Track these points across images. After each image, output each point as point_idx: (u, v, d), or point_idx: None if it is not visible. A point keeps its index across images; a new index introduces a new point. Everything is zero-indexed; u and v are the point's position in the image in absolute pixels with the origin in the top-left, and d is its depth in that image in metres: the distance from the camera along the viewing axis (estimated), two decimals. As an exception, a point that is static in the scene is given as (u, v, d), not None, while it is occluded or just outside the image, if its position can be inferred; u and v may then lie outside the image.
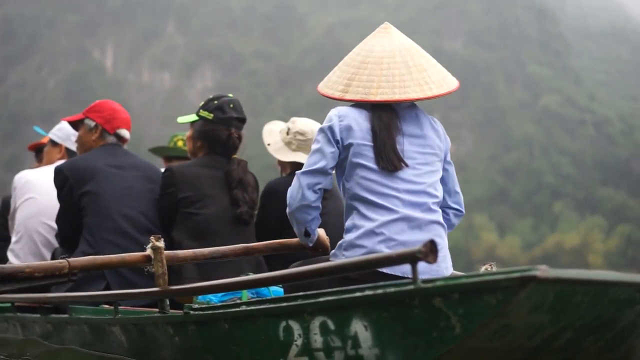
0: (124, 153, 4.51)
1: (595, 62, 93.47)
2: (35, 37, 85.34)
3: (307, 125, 4.57)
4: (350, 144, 3.13)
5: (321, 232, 3.62)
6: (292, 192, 3.24)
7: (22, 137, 77.95)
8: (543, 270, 2.10)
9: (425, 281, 2.30)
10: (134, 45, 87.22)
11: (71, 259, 2.86)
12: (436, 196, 3.18)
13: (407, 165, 3.12)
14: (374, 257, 2.42)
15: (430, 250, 2.27)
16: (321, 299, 2.50)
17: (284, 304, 2.59)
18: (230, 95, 4.48)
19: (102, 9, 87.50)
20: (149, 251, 3.03)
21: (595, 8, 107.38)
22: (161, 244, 3.02)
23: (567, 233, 60.87)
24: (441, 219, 3.20)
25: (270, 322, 2.63)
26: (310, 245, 3.58)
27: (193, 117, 4.44)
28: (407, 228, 3.05)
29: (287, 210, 3.30)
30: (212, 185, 4.29)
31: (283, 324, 2.59)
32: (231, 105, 4.39)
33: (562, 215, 66.00)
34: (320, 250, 3.66)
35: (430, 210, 3.14)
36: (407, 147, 3.17)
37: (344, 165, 3.18)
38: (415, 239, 3.02)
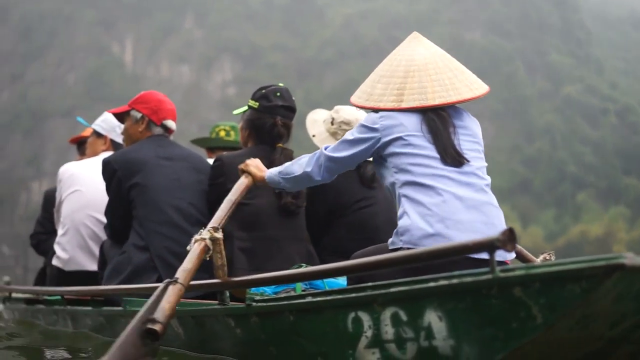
0: (171, 144, 4.47)
1: (616, 50, 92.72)
2: (54, 34, 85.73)
3: (352, 114, 4.50)
4: (396, 138, 3.15)
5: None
6: (315, 166, 3.38)
7: (42, 133, 78.57)
8: (630, 258, 2.04)
9: (503, 270, 2.24)
10: (152, 39, 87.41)
11: (181, 279, 2.79)
12: (485, 179, 3.19)
13: (468, 161, 3.15)
14: (450, 246, 2.36)
15: (509, 238, 2.23)
16: (393, 290, 2.44)
17: (353, 295, 2.54)
18: (281, 84, 4.42)
19: (119, 4, 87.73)
20: (207, 241, 2.97)
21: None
22: (219, 234, 2.97)
23: (590, 223, 60.48)
24: (496, 203, 3.18)
25: (338, 314, 2.57)
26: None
27: (245, 108, 4.40)
28: (461, 207, 3.03)
29: (301, 174, 3.42)
30: None
31: (352, 315, 2.54)
32: (278, 94, 4.33)
33: (585, 205, 65.60)
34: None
35: (482, 191, 3.13)
36: (458, 139, 3.22)
37: (389, 160, 3.20)
38: (473, 218, 3.01)
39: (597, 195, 67.41)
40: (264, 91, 4.35)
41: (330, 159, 3.31)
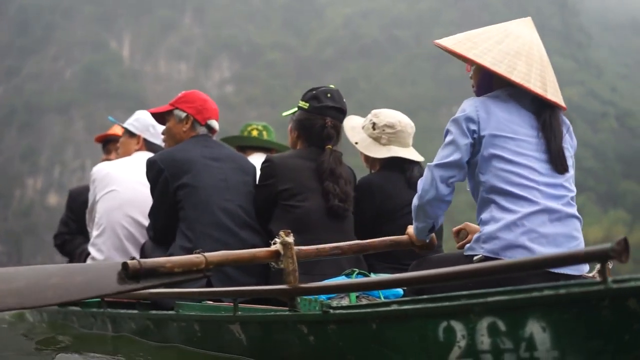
0: (216, 144, 4.38)
1: (616, 55, 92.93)
2: (51, 28, 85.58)
3: (394, 116, 4.40)
4: (488, 135, 3.03)
5: None
6: (425, 184, 3.12)
7: (37, 128, 78.37)
8: None
9: (616, 281, 2.12)
10: (150, 36, 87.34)
11: (207, 254, 2.67)
12: (572, 190, 3.11)
13: (568, 170, 3.10)
14: (556, 256, 2.22)
15: (623, 249, 2.10)
16: (491, 299, 2.30)
17: (447, 304, 2.40)
18: (332, 85, 4.32)
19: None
20: (278, 246, 2.84)
21: (614, 0, 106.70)
22: (291, 239, 2.84)
23: (589, 227, 60.40)
24: (578, 214, 3.11)
25: (428, 323, 2.43)
26: (427, 241, 3.49)
27: (295, 109, 4.31)
28: (547, 220, 2.96)
29: (416, 202, 3.19)
30: (310, 177, 4.12)
31: (443, 324, 2.40)
32: (328, 95, 4.23)
33: (584, 209, 65.47)
34: (427, 249, 3.58)
35: (569, 204, 3.07)
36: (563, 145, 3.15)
37: (477, 157, 3.07)
38: (556, 231, 2.95)
39: (596, 199, 67.48)
40: (314, 92, 4.26)
41: (438, 166, 3.08)
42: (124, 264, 2.41)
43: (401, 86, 72.84)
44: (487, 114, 3.05)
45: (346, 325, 2.65)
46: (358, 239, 4.18)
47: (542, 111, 3.12)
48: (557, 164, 3.07)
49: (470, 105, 3.09)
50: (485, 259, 2.93)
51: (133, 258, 2.45)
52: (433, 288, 2.79)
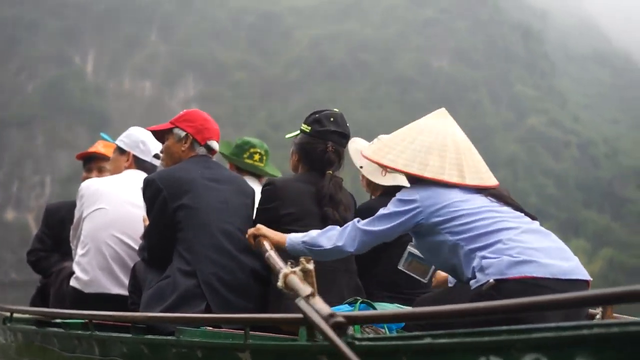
0: (217, 165, 4.26)
1: (578, 85, 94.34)
2: (14, 41, 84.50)
3: None
4: (440, 208, 3.15)
5: None
6: (346, 240, 3.33)
7: (-2, 141, 77.17)
8: None
9: (672, 319, 2.01)
10: (115, 52, 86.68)
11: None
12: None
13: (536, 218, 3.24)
14: (612, 292, 2.11)
15: None
16: (536, 335, 2.18)
17: (486, 339, 2.27)
18: (336, 110, 4.23)
19: (84, 14, 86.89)
20: (298, 273, 2.70)
21: (577, 31, 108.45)
22: (311, 265, 2.70)
23: (551, 254, 61.03)
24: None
25: (464, 357, 2.30)
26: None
27: (298, 132, 4.24)
28: (532, 237, 3.05)
29: (329, 246, 3.37)
30: (311, 202, 4.03)
31: (482, 359, 2.28)
32: (331, 119, 4.14)
33: (546, 236, 66.23)
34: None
35: (539, 225, 3.20)
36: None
37: (440, 231, 3.17)
38: (547, 245, 3.03)
39: (558, 227, 67.93)
40: (317, 115, 4.17)
41: (366, 232, 3.28)
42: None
43: (367, 110, 72.89)
44: (429, 192, 3.18)
45: (373, 358, 2.51)
46: (358, 265, 4.10)
47: (481, 191, 3.25)
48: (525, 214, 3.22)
49: (410, 190, 3.25)
50: (496, 282, 2.90)
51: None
52: (440, 323, 2.71)
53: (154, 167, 4.97)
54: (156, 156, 4.93)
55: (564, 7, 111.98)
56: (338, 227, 3.43)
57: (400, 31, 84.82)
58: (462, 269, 3.11)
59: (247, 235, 3.70)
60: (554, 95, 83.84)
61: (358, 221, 3.33)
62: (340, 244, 3.31)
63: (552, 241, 3.07)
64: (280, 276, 2.75)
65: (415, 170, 3.21)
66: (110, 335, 3.85)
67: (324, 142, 4.09)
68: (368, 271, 4.22)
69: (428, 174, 3.19)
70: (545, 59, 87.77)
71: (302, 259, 2.74)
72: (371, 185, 4.43)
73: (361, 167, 4.38)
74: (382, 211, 3.27)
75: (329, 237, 3.36)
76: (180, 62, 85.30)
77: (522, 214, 3.18)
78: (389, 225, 3.23)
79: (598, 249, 61.80)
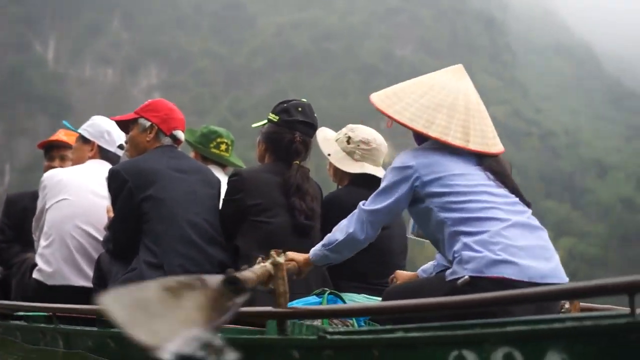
0: (183, 156, 4.20)
1: (539, 76, 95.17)
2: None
3: (370, 133, 4.32)
4: (435, 179, 3.03)
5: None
6: (355, 226, 3.21)
7: (-44, 129, 76.06)
8: None
9: (646, 313, 2.01)
10: (77, 39, 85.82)
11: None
12: (529, 209, 3.13)
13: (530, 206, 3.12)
14: (584, 286, 2.10)
15: None
16: (510, 329, 2.17)
17: (459, 332, 2.26)
18: (304, 100, 4.19)
19: (45, 1, 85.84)
20: (268, 267, 2.66)
21: (539, 22, 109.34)
22: (282, 259, 2.66)
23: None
24: (542, 226, 3.12)
25: (437, 351, 2.28)
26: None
27: (265, 121, 4.17)
28: (519, 234, 2.93)
29: (340, 238, 3.24)
30: (277, 192, 3.99)
31: (454, 353, 2.25)
32: (299, 109, 4.10)
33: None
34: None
35: (532, 217, 3.05)
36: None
37: (430, 202, 3.04)
38: (531, 243, 2.91)
39: (519, 217, 68.80)
40: (285, 105, 4.11)
41: (371, 212, 3.15)
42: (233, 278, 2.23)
43: (331, 98, 72.97)
44: (428, 161, 3.05)
45: (344, 352, 2.47)
46: None
47: (482, 160, 3.11)
48: (516, 194, 3.08)
49: (408, 156, 3.08)
50: (471, 279, 2.83)
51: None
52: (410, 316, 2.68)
53: (117, 157, 4.89)
54: (120, 147, 4.86)
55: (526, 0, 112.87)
56: (348, 217, 3.33)
57: (364, 20, 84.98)
58: (445, 247, 3.05)
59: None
60: (516, 86, 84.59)
61: (363, 204, 3.19)
62: (351, 230, 3.19)
63: (537, 238, 2.99)
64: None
65: (420, 126, 3.06)
66: (74, 329, 3.77)
67: (291, 132, 4.05)
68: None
69: (433, 132, 3.04)
70: (507, 50, 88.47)
71: (272, 252, 2.70)
72: (338, 174, 4.37)
73: (329, 154, 4.33)
74: (382, 184, 3.14)
75: (341, 228, 3.24)
76: (143, 50, 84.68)
77: (516, 200, 3.07)
78: (393, 199, 3.09)
79: (558, 239, 62.55)
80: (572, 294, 2.12)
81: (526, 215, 3.03)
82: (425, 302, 2.37)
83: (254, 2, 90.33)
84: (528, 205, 3.09)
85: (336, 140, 4.31)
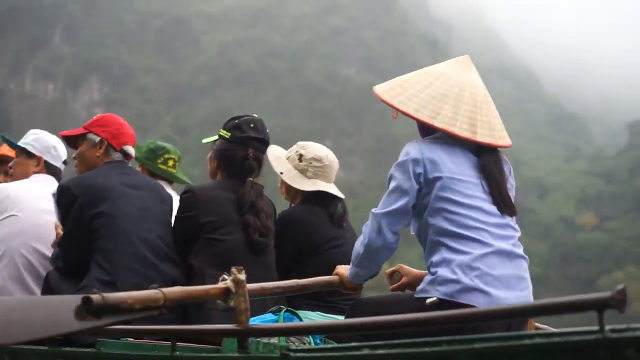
0: (134, 171, 4.21)
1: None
2: None
3: (321, 150, 4.37)
4: (436, 178, 2.97)
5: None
6: (371, 233, 3.06)
7: None
8: None
9: (613, 330, 2.03)
10: (17, 53, 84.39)
11: (165, 290, 2.42)
12: (518, 231, 3.10)
13: (516, 213, 3.06)
14: (551, 303, 2.11)
15: (624, 298, 2.03)
16: (478, 345, 2.16)
17: (427, 349, 2.24)
18: (255, 115, 4.20)
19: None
20: (229, 284, 2.62)
21: (481, 45, 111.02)
22: (243, 276, 2.62)
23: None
24: (524, 254, 3.08)
25: (404, 369, 2.27)
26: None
27: (216, 137, 4.18)
28: (499, 262, 2.93)
29: (362, 250, 3.12)
30: (231, 209, 3.98)
31: (422, 370, 2.25)
32: (251, 125, 4.11)
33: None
34: (354, 290, 3.54)
35: (517, 244, 3.05)
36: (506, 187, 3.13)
37: (425, 200, 3.00)
38: (508, 273, 2.93)
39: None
40: (236, 121, 4.12)
41: (386, 215, 3.01)
42: (86, 298, 2.14)
43: (275, 117, 72.85)
44: (433, 157, 2.99)
45: (308, 371, 2.45)
46: (279, 274, 4.07)
47: (481, 153, 3.07)
48: (504, 207, 3.03)
49: (414, 148, 3.02)
50: (441, 302, 2.84)
51: (95, 293, 2.18)
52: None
53: (60, 172, 4.85)
54: (64, 162, 4.82)
55: (469, 21, 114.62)
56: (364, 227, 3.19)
57: (309, 39, 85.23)
58: (425, 250, 3.04)
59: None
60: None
61: (375, 209, 3.07)
62: (366, 240, 3.05)
63: (515, 267, 2.97)
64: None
65: (425, 117, 3.01)
66: (22, 348, 3.67)
67: (244, 149, 4.05)
68: (288, 279, 4.18)
69: (439, 123, 2.99)
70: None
71: (233, 269, 2.66)
72: (291, 192, 4.38)
73: (281, 172, 4.32)
74: (391, 185, 3.03)
75: (361, 241, 3.13)
76: (85, 65, 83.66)
77: (507, 221, 3.02)
78: (405, 199, 2.97)
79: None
80: (541, 311, 2.12)
81: (511, 242, 3.00)
82: (392, 320, 2.34)
83: (199, 19, 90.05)
84: (514, 213, 3.04)
85: (287, 158, 4.33)
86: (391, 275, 3.52)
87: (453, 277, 2.84)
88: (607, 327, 2.02)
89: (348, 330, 2.62)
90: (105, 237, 3.77)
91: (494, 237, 2.95)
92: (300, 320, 3.50)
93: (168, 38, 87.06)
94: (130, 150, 4.18)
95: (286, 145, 4.44)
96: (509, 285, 2.90)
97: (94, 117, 4.24)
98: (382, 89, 3.19)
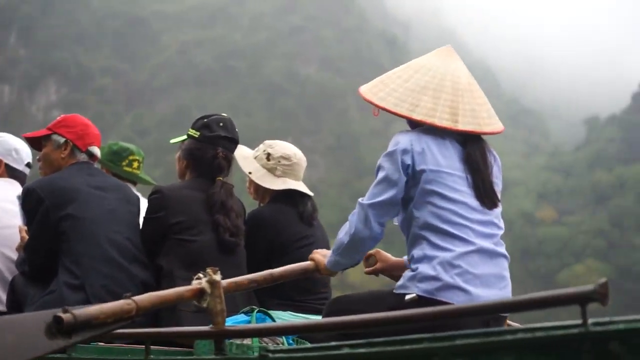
0: (101, 173, 4.17)
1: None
2: None
3: (289, 148, 4.34)
4: (424, 170, 2.94)
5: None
6: (357, 223, 3.02)
7: None
8: None
9: (596, 323, 2.01)
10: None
11: (136, 298, 2.35)
12: (502, 228, 3.08)
13: (498, 205, 3.04)
14: (535, 298, 2.09)
15: (606, 292, 2.02)
16: (459, 342, 2.14)
17: (407, 347, 2.21)
18: (224, 114, 4.16)
19: None
20: (204, 284, 2.57)
21: (438, 42, 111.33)
22: (218, 276, 2.57)
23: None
24: (506, 252, 3.08)
25: (385, 368, 2.24)
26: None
27: (184, 137, 4.13)
28: (480, 261, 2.93)
29: (347, 239, 3.07)
30: (201, 209, 3.94)
31: (403, 368, 2.22)
32: (220, 124, 4.06)
33: (396, 234, 67.74)
34: (331, 275, 3.52)
35: (499, 242, 3.04)
36: (492, 178, 3.10)
37: (411, 192, 2.97)
38: (488, 272, 2.93)
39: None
40: (205, 120, 4.08)
41: (373, 205, 2.98)
42: (57, 318, 2.07)
43: (235, 116, 71.52)
44: (422, 148, 2.96)
45: (287, 371, 2.41)
46: (250, 273, 4.03)
47: (468, 143, 3.05)
48: (486, 199, 3.00)
49: (404, 138, 2.99)
50: (419, 298, 2.83)
51: (66, 310, 2.10)
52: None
53: (25, 176, 4.77)
54: (28, 165, 4.73)
55: (426, 20, 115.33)
56: (349, 216, 3.14)
57: (268, 38, 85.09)
58: (407, 242, 3.02)
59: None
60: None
61: (362, 199, 3.02)
62: (352, 230, 3.01)
63: (495, 266, 2.96)
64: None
65: (404, 110, 2.98)
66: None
67: (214, 148, 4.00)
68: None
69: (417, 115, 2.96)
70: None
71: (208, 270, 2.62)
72: (260, 191, 4.34)
73: (250, 172, 4.29)
74: (379, 175, 2.99)
75: (346, 230, 3.07)
76: (42, 67, 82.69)
77: (490, 218, 3.01)
78: (393, 190, 2.94)
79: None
80: (523, 306, 2.10)
81: (494, 241, 3.00)
82: (372, 318, 2.32)
83: (157, 19, 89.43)
84: (495, 205, 3.01)
85: (255, 158, 4.30)
86: (367, 258, 3.50)
87: (433, 274, 2.83)
88: (590, 321, 2.01)
89: (329, 330, 2.58)
90: (73, 239, 3.71)
91: (477, 234, 2.93)
92: (273, 320, 3.47)
93: (126, 38, 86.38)
94: (96, 151, 4.12)
95: (247, 145, 4.41)
96: (489, 283, 2.90)
97: (58, 118, 4.18)
98: (366, 88, 3.16)
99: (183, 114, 71.53)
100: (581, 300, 2.00)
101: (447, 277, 2.82)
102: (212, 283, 2.56)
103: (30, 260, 3.85)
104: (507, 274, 3.01)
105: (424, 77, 3.06)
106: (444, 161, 2.96)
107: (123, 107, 78.74)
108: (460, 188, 2.96)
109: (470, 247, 2.88)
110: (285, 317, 3.77)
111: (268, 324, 2.90)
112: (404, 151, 2.94)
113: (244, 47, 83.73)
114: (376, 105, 3.07)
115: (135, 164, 5.30)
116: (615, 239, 65.38)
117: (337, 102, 77.60)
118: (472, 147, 3.04)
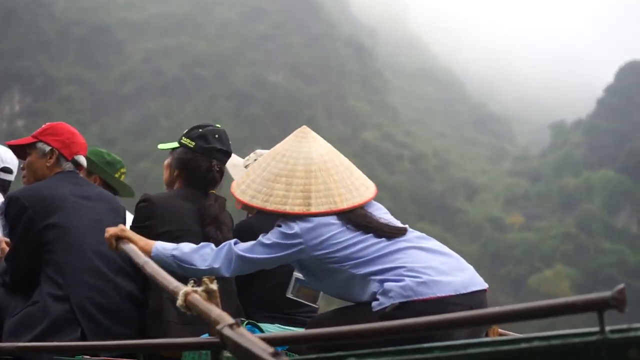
0: (86, 182, 4.10)
1: (408, 99, 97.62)
2: None
3: None
4: (325, 240, 3.03)
5: None
6: (222, 262, 3.14)
7: None
8: None
9: (614, 331, 1.98)
10: None
11: None
12: (428, 238, 3.20)
13: (405, 230, 3.11)
14: (552, 304, 2.04)
15: (624, 298, 1.97)
16: (472, 351, 2.09)
17: (418, 356, 2.15)
18: (218, 125, 4.11)
19: None
20: (200, 293, 2.50)
21: (405, 48, 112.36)
22: (215, 286, 2.51)
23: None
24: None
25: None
26: None
27: (174, 144, 4.05)
28: (429, 256, 3.00)
29: (202, 267, 3.15)
30: (191, 220, 3.87)
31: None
32: (216, 136, 4.00)
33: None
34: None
35: (432, 241, 3.13)
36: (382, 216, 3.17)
37: (323, 259, 3.05)
38: (444, 261, 3.01)
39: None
40: (201, 130, 4.00)
41: (243, 259, 3.08)
42: None
43: (203, 124, 72.67)
44: (309, 225, 3.05)
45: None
46: (237, 285, 4.00)
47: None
48: (390, 233, 3.07)
49: (290, 224, 3.08)
50: (400, 304, 2.84)
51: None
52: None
53: (4, 182, 4.70)
54: (4, 169, 4.65)
55: (392, 26, 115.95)
56: (212, 245, 3.24)
57: (235, 46, 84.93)
58: (358, 294, 3.02)
59: (107, 236, 3.35)
60: (387, 110, 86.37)
61: (235, 243, 3.14)
62: (216, 265, 3.10)
63: (444, 255, 3.03)
64: (181, 295, 2.54)
65: (259, 202, 3.10)
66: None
67: (209, 160, 3.96)
68: (245, 291, 4.09)
69: (271, 205, 3.07)
70: (377, 75, 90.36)
71: (204, 279, 2.55)
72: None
73: None
74: (263, 239, 3.09)
75: (204, 256, 3.15)
76: (5, 76, 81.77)
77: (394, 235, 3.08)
78: (269, 256, 3.07)
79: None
80: (540, 313, 2.05)
81: (425, 240, 3.09)
82: (364, 328, 2.26)
83: (122, 27, 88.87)
84: (405, 230, 3.08)
85: (245, 167, 4.26)
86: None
87: (400, 282, 2.86)
88: (608, 328, 1.97)
89: (324, 340, 2.53)
90: (58, 250, 3.65)
91: (407, 242, 3.02)
92: (263, 332, 3.41)
93: (91, 47, 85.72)
94: (82, 160, 4.07)
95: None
96: (450, 270, 2.95)
97: (44, 126, 4.12)
98: (235, 182, 3.27)
99: (149, 123, 71.23)
100: (599, 306, 1.97)
101: (413, 280, 2.85)
102: (209, 292, 2.51)
103: (12, 270, 3.79)
104: (460, 257, 3.09)
105: (278, 164, 3.15)
106: (333, 226, 3.05)
107: (88, 117, 78.09)
108: (357, 231, 3.05)
109: (411, 251, 2.96)
110: (272, 330, 3.73)
111: (268, 334, 2.84)
112: (295, 235, 3.04)
113: (210, 55, 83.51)
114: (238, 200, 3.20)
115: (123, 176, 5.27)
116: (583, 244, 66.03)
117: (305, 110, 77.57)
118: (346, 216, 3.09)
